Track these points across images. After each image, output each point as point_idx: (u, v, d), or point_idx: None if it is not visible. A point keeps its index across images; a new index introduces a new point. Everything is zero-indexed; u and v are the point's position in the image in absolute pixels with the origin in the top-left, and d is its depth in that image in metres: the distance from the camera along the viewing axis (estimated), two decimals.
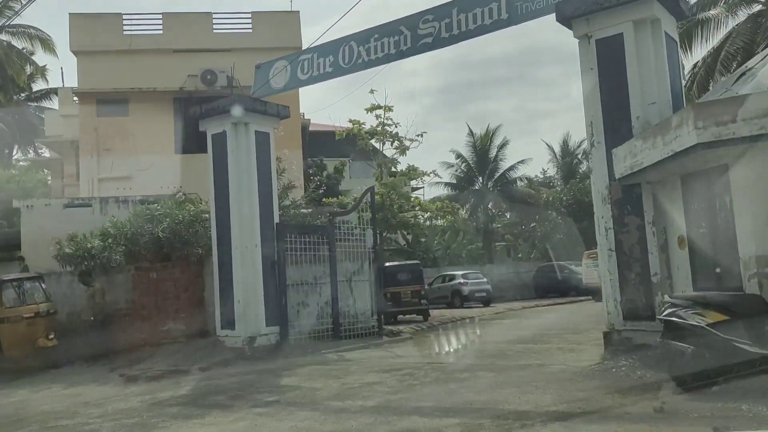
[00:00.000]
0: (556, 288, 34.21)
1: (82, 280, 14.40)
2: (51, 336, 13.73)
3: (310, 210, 16.54)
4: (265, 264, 13.20)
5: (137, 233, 14.07)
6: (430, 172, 24.54)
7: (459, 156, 39.30)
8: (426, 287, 23.29)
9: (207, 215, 14.26)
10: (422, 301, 21.99)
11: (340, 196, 25.87)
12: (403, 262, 23.46)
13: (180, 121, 20.38)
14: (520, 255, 43.98)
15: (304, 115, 24.55)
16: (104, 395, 10.37)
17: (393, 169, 24.19)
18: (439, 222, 33.46)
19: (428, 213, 25.35)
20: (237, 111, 13.00)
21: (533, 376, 9.15)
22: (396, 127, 24.22)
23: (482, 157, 38.70)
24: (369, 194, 15.21)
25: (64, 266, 14.62)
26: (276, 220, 13.68)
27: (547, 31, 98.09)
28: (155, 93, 20.86)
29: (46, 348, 13.62)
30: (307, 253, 14.25)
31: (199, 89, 20.50)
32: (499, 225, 42.26)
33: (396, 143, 24.18)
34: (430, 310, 22.51)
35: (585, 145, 43.49)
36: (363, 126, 24.41)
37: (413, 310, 22.05)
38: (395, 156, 23.74)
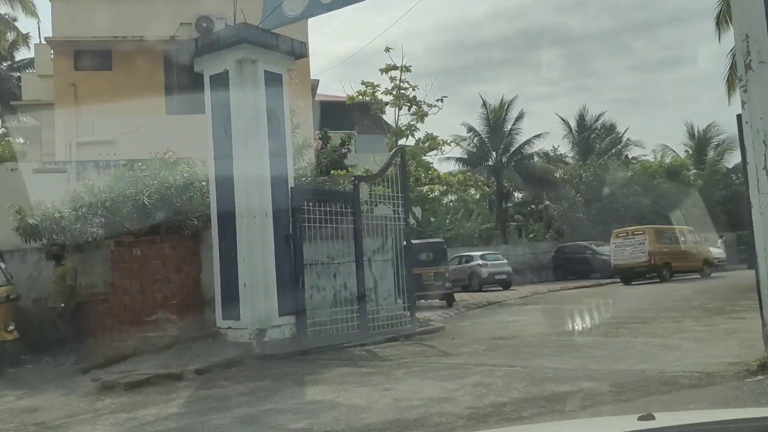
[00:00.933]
0: (577, 270, 31.62)
1: (51, 258, 11.56)
2: (11, 327, 10.93)
3: (325, 178, 13.68)
4: (277, 238, 10.37)
5: (117, 200, 11.20)
6: (451, 141, 21.60)
7: (471, 129, 36.50)
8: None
9: (205, 181, 11.40)
10: (446, 284, 19.28)
11: (350, 169, 22.97)
12: (424, 240, 20.69)
13: (172, 76, 17.48)
14: (532, 235, 41.38)
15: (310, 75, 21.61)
16: (68, 411, 7.59)
17: (409, 138, 21.27)
18: (454, 197, 30.79)
19: (446, 187, 22.44)
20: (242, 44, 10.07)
21: (678, 391, 6.41)
22: (414, 90, 21.24)
23: (496, 131, 35.90)
24: (399, 156, 12.37)
25: (28, 241, 11.75)
26: (291, 183, 10.84)
27: (544, 13, 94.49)
28: (142, 43, 17.90)
29: (4, 342, 10.82)
30: (327, 225, 11.44)
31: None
32: (510, 204, 39.53)
33: (413, 108, 21.23)
34: (453, 294, 19.84)
35: (603, 119, 40.80)
36: (378, 88, 21.44)
37: (436, 295, 19.33)
38: (413, 123, 20.83)
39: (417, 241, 20.55)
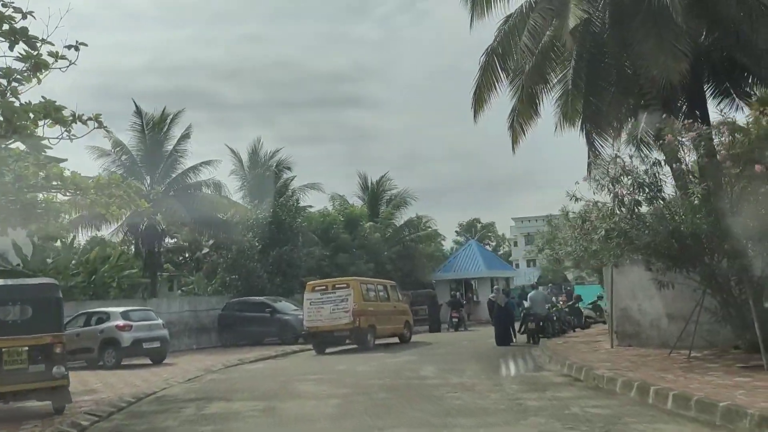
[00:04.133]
0: (251, 333, 23.57)
1: None
2: None
3: None
4: None
5: None
6: (88, 118, 11.70)
7: (118, 144, 26.33)
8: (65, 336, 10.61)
9: None
10: (56, 370, 9.43)
11: None
12: (14, 282, 10.55)
13: None
14: (186, 287, 32.18)
15: None
16: None
17: (8, 97, 11.05)
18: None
19: (79, 195, 12.46)
20: None
21: None
22: (26, 17, 11.11)
23: (154, 149, 26.41)
24: None
25: None
26: None
27: (199, 77, 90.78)
28: None
29: None
30: None
31: None
32: (161, 249, 29.86)
33: (24, 49, 11.10)
34: (68, 388, 9.93)
35: (279, 156, 34.32)
36: None
37: (30, 393, 9.36)
38: (19, 70, 10.74)
39: None
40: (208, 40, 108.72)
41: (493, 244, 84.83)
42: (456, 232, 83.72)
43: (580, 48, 15.16)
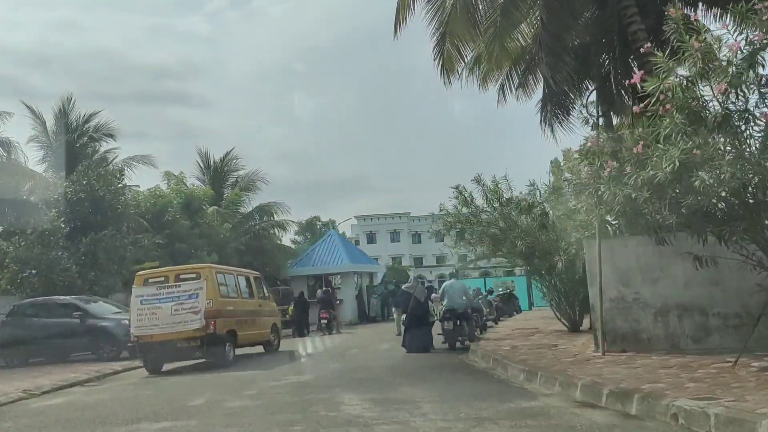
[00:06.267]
0: (54, 345, 16.59)
1: None
2: None
3: None
4: None
5: None
6: None
7: None
8: None
9: None
10: None
11: None
12: None
13: None
14: None
15: None
16: None
17: None
18: None
19: None
20: None
21: None
22: None
23: None
24: None
25: None
26: None
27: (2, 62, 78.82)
28: None
29: None
30: None
31: None
32: None
33: None
34: None
35: (98, 120, 26.83)
36: None
37: None
38: None
39: None
40: (14, 22, 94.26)
41: None
42: (295, 230, 78.51)
43: None
